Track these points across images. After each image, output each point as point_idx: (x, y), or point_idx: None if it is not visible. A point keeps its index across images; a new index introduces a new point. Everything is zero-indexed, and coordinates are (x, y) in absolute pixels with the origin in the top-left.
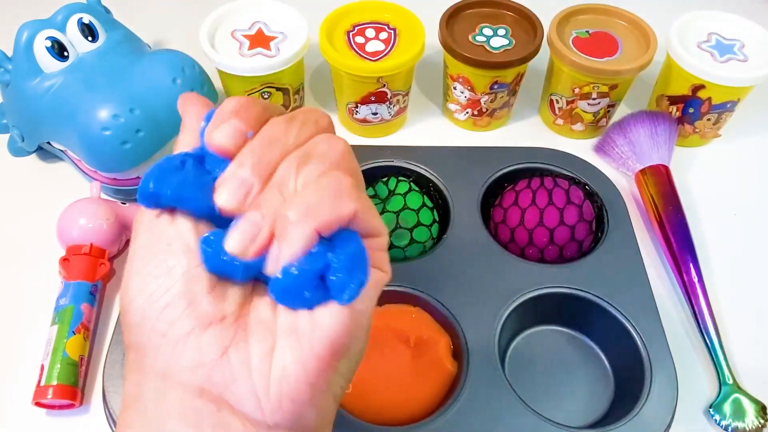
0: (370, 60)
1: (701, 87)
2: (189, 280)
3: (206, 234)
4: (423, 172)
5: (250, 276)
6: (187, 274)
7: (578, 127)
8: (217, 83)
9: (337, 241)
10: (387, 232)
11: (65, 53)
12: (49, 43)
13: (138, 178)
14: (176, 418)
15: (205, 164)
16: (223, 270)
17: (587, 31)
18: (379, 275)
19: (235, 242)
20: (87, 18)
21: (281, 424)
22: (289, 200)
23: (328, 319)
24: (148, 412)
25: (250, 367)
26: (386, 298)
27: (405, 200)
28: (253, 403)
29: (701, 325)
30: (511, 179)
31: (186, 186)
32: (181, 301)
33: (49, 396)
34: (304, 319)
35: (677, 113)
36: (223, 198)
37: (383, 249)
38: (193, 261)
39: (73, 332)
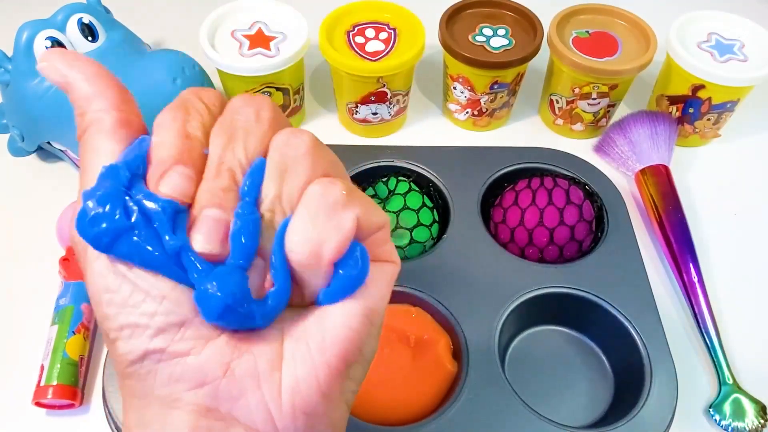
0: (370, 60)
1: (701, 87)
2: (173, 303)
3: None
4: (423, 172)
5: None
6: (169, 296)
7: (578, 127)
8: (217, 83)
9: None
10: (388, 220)
11: None
12: (49, 43)
13: None
14: None
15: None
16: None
17: (587, 31)
18: (390, 267)
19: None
20: (87, 18)
21: None
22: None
23: (339, 319)
24: None
25: (258, 379)
26: None
27: (405, 200)
28: (264, 415)
29: (701, 325)
30: (511, 179)
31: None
32: (172, 327)
33: (49, 396)
34: (312, 324)
35: (677, 113)
36: (200, 244)
37: (388, 240)
38: (169, 281)
39: (73, 332)
